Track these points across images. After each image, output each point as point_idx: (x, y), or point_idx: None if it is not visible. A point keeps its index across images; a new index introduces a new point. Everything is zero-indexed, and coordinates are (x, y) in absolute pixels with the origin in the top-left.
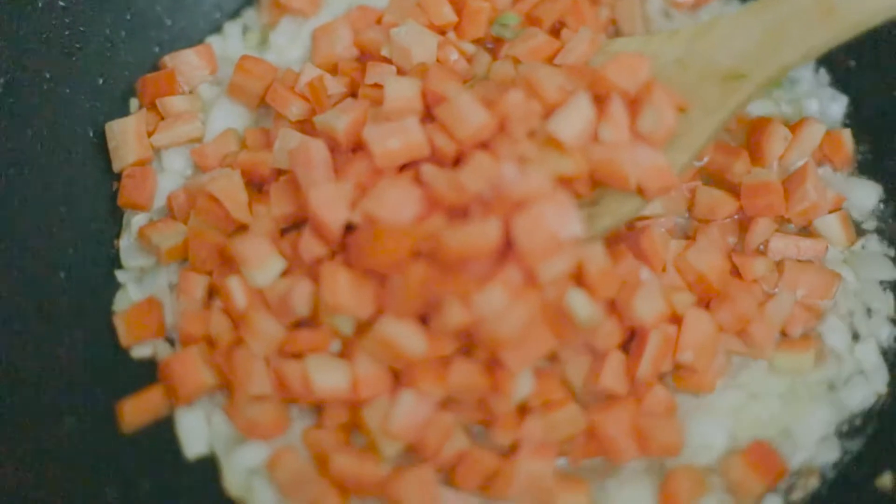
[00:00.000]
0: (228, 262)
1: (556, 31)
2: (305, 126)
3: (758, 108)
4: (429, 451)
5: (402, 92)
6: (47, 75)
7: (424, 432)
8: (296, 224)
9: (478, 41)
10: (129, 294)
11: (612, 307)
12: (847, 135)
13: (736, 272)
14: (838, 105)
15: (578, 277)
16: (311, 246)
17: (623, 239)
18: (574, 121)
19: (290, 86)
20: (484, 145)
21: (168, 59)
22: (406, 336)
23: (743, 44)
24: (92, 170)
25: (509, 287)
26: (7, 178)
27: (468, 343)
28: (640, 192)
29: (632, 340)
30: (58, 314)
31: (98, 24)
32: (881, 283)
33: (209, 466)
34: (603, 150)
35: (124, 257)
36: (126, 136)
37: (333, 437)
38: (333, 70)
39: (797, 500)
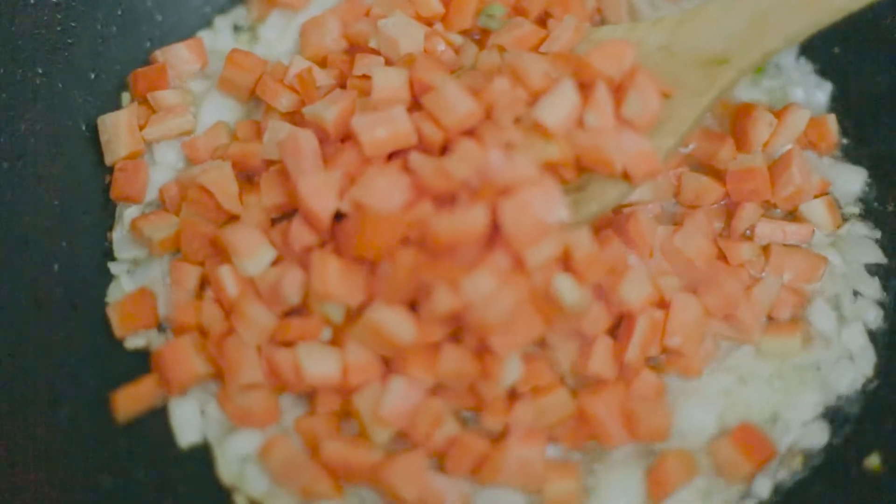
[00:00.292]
0: (220, 253)
1: (542, 22)
2: (295, 117)
3: (743, 96)
4: (419, 437)
5: (389, 81)
6: (40, 70)
7: (415, 418)
8: (286, 214)
9: (465, 32)
10: (122, 285)
11: (600, 292)
12: (832, 120)
13: (723, 257)
14: (823, 91)
15: (565, 262)
16: (300, 235)
17: (610, 224)
18: (559, 107)
19: (280, 78)
20: (471, 133)
21: (159, 54)
22: (396, 322)
23: (726, 29)
24: (84, 163)
25: (497, 272)
26: (0, 171)
27: (457, 329)
28: (626, 177)
29: (620, 325)
30: (52, 306)
31: (89, 19)
32: (867, 266)
33: (203, 455)
34: (588, 136)
35: (117, 249)
36: (118, 129)
37: (325, 424)
38: (322, 63)
39: (785, 482)
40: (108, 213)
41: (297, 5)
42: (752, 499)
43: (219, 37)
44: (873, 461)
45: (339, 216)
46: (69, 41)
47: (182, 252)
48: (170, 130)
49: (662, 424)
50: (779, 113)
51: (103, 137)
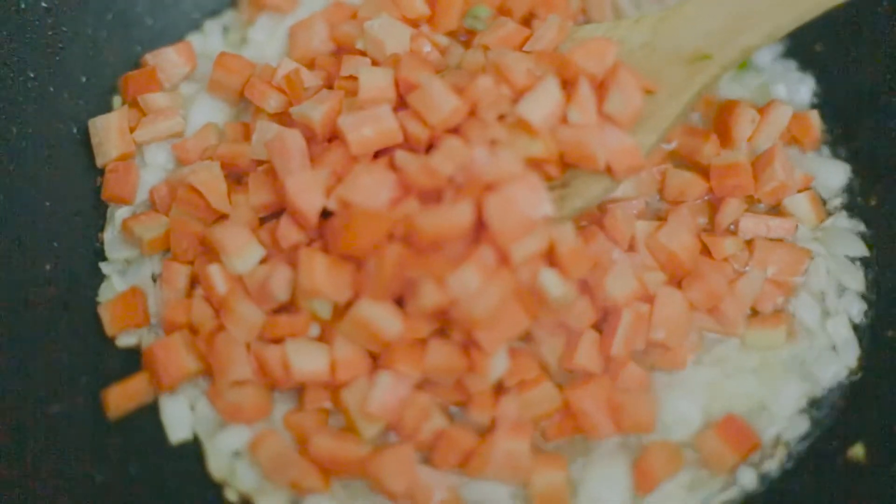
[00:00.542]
0: (209, 251)
1: (527, 22)
2: (283, 118)
3: (727, 93)
4: (407, 431)
5: (376, 81)
6: (31, 74)
7: (402, 412)
8: (274, 213)
9: (451, 34)
10: (114, 285)
11: (586, 287)
12: (814, 116)
13: (707, 252)
14: (806, 88)
15: (550, 257)
16: (288, 232)
17: (595, 220)
18: (543, 104)
19: (268, 80)
20: (456, 130)
21: (149, 57)
22: (382, 318)
23: (707, 26)
24: (76, 165)
25: (482, 268)
26: None
27: (444, 325)
28: (610, 172)
29: (605, 320)
30: (44, 305)
31: (80, 24)
32: (852, 259)
33: (193, 450)
34: (572, 132)
35: (108, 249)
36: (109, 132)
37: (314, 419)
38: (311, 65)
39: (770, 473)
40: (99, 214)
41: (286, 9)
42: (738, 490)
43: (208, 40)
44: (857, 451)
45: (326, 214)
46: (60, 45)
47: (172, 251)
48: (160, 132)
49: (648, 417)
50: (762, 109)
51: (94, 140)
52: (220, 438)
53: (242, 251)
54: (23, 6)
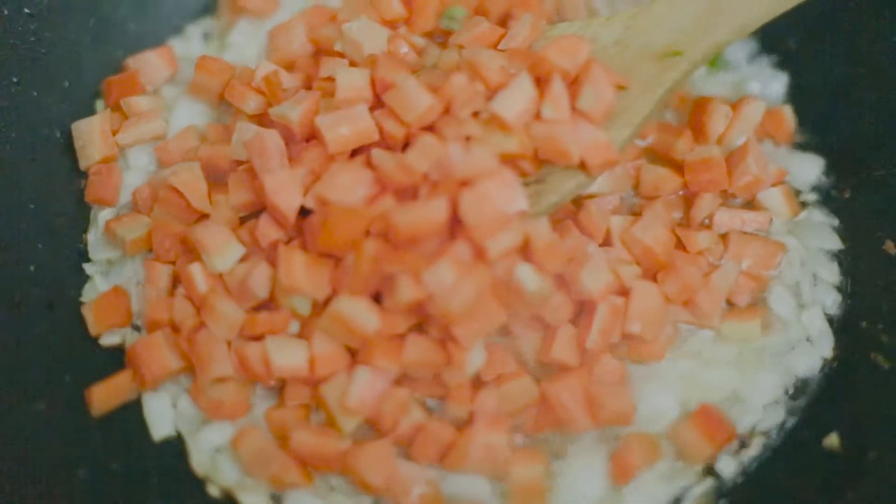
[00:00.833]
0: (190, 251)
1: (503, 23)
2: (262, 119)
3: (702, 90)
4: (386, 426)
5: (352, 81)
6: (15, 79)
7: (381, 407)
8: (254, 213)
9: (429, 35)
10: (97, 285)
11: (562, 281)
12: (788, 111)
13: (682, 246)
14: (779, 84)
15: (526, 252)
16: (267, 231)
17: (570, 216)
18: (517, 100)
19: (247, 82)
20: (431, 128)
21: (131, 61)
22: (360, 314)
23: (678, 22)
24: (60, 168)
25: (458, 263)
26: None
27: (421, 320)
28: (584, 168)
29: (582, 314)
30: (29, 305)
31: (63, 30)
32: (825, 252)
33: (176, 446)
34: (545, 128)
35: (92, 250)
36: (92, 135)
37: (294, 415)
38: (290, 67)
39: (746, 463)
40: (82, 216)
41: (265, 12)
42: (714, 480)
43: (189, 44)
44: (832, 441)
45: (305, 213)
46: (43, 51)
47: (154, 251)
48: (142, 135)
49: (625, 409)
50: (735, 105)
51: (77, 143)
52: (203, 435)
53: (223, 250)
54: (6, 12)
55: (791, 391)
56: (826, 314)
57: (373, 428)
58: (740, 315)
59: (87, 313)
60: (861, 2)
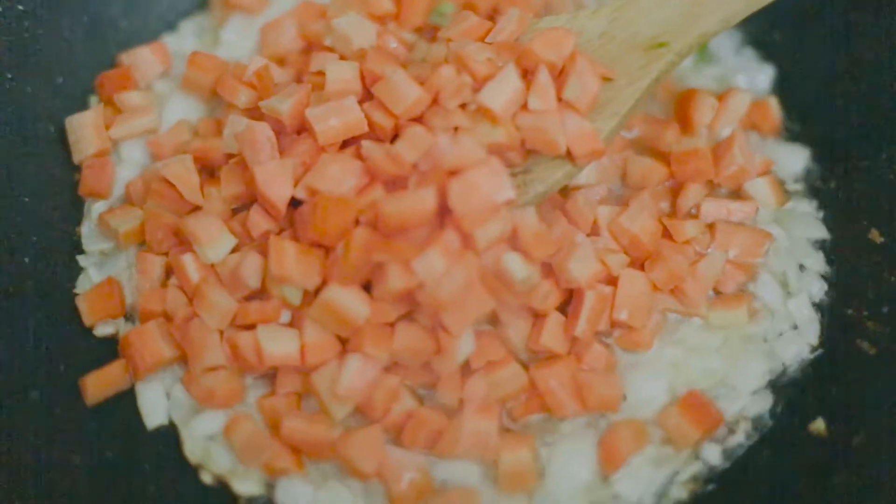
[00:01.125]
0: (183, 242)
1: (491, 18)
2: (254, 113)
3: (689, 83)
4: (377, 413)
5: (342, 74)
6: (9, 75)
7: (372, 394)
8: (246, 205)
9: (418, 30)
10: (91, 277)
11: (550, 270)
12: (773, 103)
13: (669, 236)
14: (765, 76)
15: (514, 241)
16: (258, 221)
17: (558, 206)
18: (503, 91)
19: (239, 76)
20: (419, 120)
21: (124, 57)
22: (351, 302)
23: (664, 14)
24: (54, 162)
25: (447, 251)
26: None
27: (411, 309)
28: (571, 157)
29: (570, 302)
30: (23, 297)
31: (56, 26)
32: (812, 241)
33: (169, 434)
34: (532, 118)
35: (85, 243)
36: (85, 129)
37: (286, 403)
38: (281, 62)
39: (734, 448)
40: (76, 209)
41: (256, 9)
42: (702, 465)
43: (182, 40)
44: (818, 426)
45: (295, 204)
46: (37, 47)
47: (147, 243)
48: (135, 129)
49: (613, 395)
50: (721, 96)
51: (71, 137)
52: (196, 423)
53: (215, 241)
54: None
55: (778, 377)
56: (812, 302)
57: (364, 415)
58: (727, 303)
59: (81, 304)
60: None
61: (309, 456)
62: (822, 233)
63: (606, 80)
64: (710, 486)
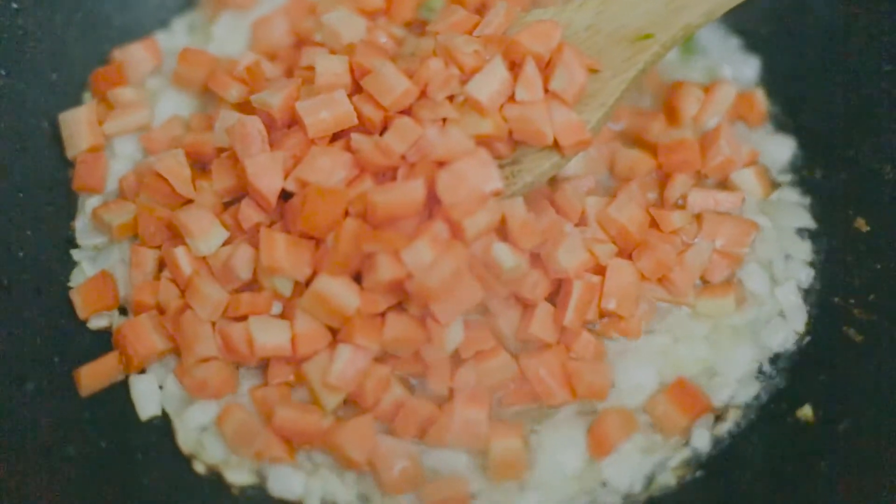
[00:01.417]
0: (175, 235)
1: (480, 12)
2: (245, 108)
3: (676, 75)
4: (368, 402)
5: (331, 67)
6: (3, 72)
7: (362, 384)
8: (237, 198)
9: (407, 25)
10: (85, 271)
11: (538, 260)
12: (760, 94)
13: (656, 225)
14: (751, 68)
15: (502, 231)
16: (249, 213)
17: (546, 197)
18: (491, 83)
19: (230, 72)
20: (408, 112)
21: (117, 54)
22: (341, 293)
23: (649, 6)
24: (47, 158)
25: (436, 241)
26: None
27: (401, 299)
28: (558, 148)
29: (559, 292)
30: (18, 290)
31: (49, 23)
32: (798, 230)
33: (162, 424)
34: (519, 109)
35: (79, 237)
36: (78, 125)
37: (278, 394)
38: (272, 58)
39: (722, 435)
40: (70, 204)
41: (247, 5)
42: (691, 452)
43: (175, 37)
44: (806, 412)
45: (286, 197)
46: (31, 44)
47: (140, 236)
48: (128, 125)
49: (602, 383)
50: (707, 88)
51: (65, 133)
52: (188, 414)
53: (206, 234)
54: None
55: (765, 365)
56: (799, 289)
57: (355, 405)
58: (714, 291)
59: (75, 297)
60: None
61: (300, 445)
62: (808, 222)
63: (593, 71)
64: (699, 473)
